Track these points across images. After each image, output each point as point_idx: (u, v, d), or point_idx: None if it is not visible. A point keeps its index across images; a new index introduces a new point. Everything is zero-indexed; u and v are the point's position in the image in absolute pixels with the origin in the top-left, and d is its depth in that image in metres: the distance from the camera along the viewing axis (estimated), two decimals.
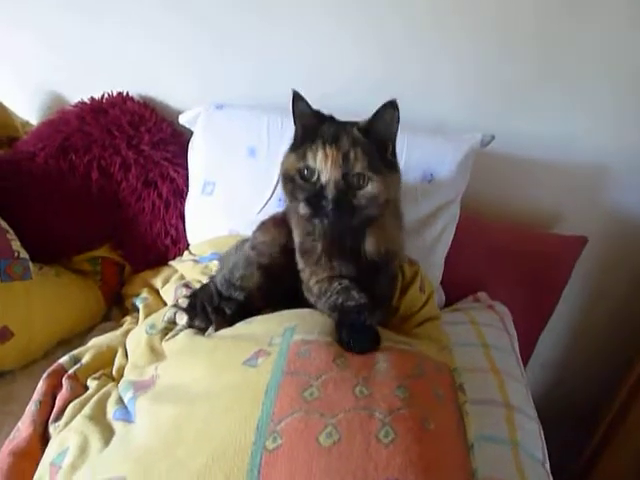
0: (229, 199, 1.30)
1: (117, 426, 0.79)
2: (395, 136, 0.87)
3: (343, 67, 1.39)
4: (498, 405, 0.95)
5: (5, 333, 1.07)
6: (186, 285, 1.16)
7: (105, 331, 1.14)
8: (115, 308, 1.37)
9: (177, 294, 1.13)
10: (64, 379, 0.93)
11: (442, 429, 0.69)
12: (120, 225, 1.39)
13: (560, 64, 1.29)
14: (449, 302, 1.32)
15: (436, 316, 1.05)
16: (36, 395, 0.90)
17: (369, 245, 0.89)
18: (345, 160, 0.81)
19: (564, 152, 1.38)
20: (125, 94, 1.46)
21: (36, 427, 0.85)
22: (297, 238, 0.93)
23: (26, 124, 1.60)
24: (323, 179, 0.82)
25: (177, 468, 0.62)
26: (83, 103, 1.42)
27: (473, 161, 1.23)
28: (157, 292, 1.27)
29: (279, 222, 1.01)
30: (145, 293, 1.25)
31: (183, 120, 1.39)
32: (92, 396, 0.88)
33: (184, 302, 0.96)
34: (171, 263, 1.36)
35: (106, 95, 1.43)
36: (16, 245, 1.15)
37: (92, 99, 1.42)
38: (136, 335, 1.00)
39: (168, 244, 1.39)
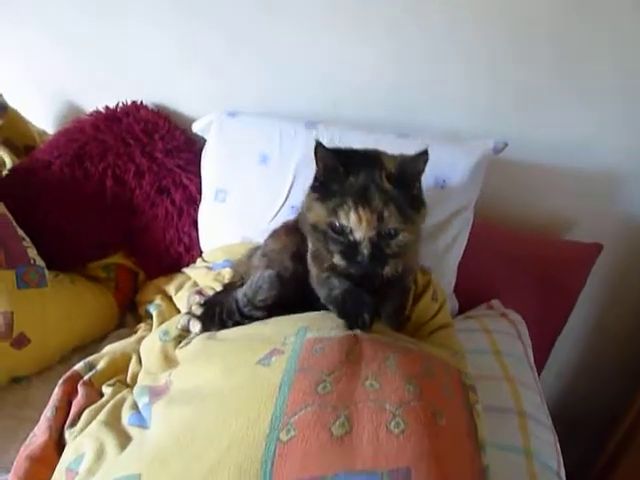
0: (241, 206, 1.31)
1: (133, 432, 0.80)
2: (422, 175, 0.87)
3: (357, 71, 1.39)
4: (512, 413, 0.94)
5: (21, 339, 1.09)
6: (199, 292, 1.17)
7: (119, 338, 1.15)
8: (129, 315, 1.38)
9: (190, 301, 1.14)
10: (79, 385, 0.94)
11: (453, 425, 0.69)
12: (134, 232, 1.40)
13: (574, 70, 1.29)
14: (462, 310, 1.31)
15: (449, 324, 1.05)
16: (52, 401, 0.91)
17: (388, 269, 0.89)
18: (379, 220, 0.81)
19: (578, 158, 1.37)
20: (139, 103, 1.47)
21: (52, 433, 0.86)
22: (312, 246, 0.93)
23: (43, 133, 1.62)
24: (357, 236, 0.82)
25: (191, 463, 0.63)
26: (98, 112, 1.44)
27: (486, 168, 1.22)
28: (170, 299, 1.28)
29: (291, 230, 1.01)
30: (158, 300, 1.26)
31: (196, 128, 1.40)
32: (107, 402, 0.89)
33: (198, 310, 0.97)
34: (184, 270, 1.37)
35: (120, 104, 1.45)
36: (32, 252, 1.17)
37: (107, 108, 1.44)
38: (150, 342, 1.01)
39: (181, 251, 1.40)
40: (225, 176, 1.33)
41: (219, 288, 1.11)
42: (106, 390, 0.94)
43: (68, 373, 0.98)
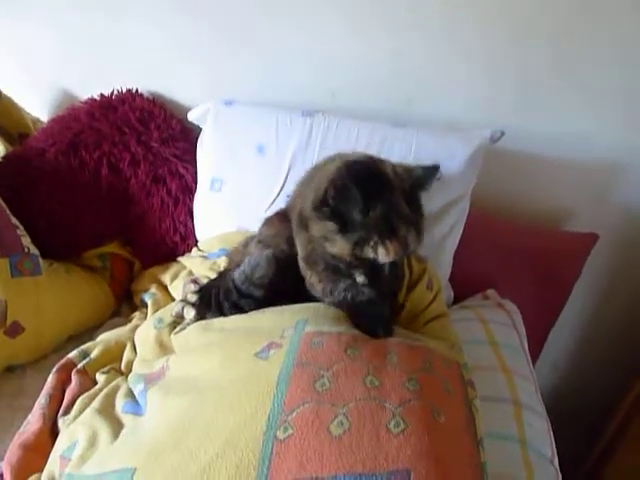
0: (237, 196, 1.30)
1: (126, 419, 0.80)
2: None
3: (354, 64, 1.38)
4: (507, 402, 0.95)
5: (16, 328, 1.08)
6: (194, 281, 1.16)
7: (114, 327, 1.15)
8: (124, 304, 1.38)
9: (185, 290, 1.14)
10: (73, 373, 0.94)
11: (452, 422, 0.69)
12: (129, 221, 1.40)
13: (573, 62, 1.28)
14: (458, 300, 1.31)
15: (444, 313, 1.04)
16: (46, 389, 0.91)
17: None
18: (405, 247, 0.82)
19: (576, 149, 1.37)
20: (134, 91, 1.46)
21: (46, 421, 0.86)
22: (302, 251, 0.91)
23: (37, 121, 1.61)
24: (382, 261, 0.82)
25: (188, 459, 0.63)
26: (93, 100, 1.43)
27: (483, 157, 1.22)
28: (166, 288, 1.28)
29: (282, 218, 1.01)
30: (154, 289, 1.26)
31: (192, 117, 1.39)
32: (101, 390, 0.89)
33: (192, 297, 0.97)
34: (180, 259, 1.37)
35: (115, 92, 1.44)
36: (26, 241, 1.17)
37: (102, 96, 1.43)
38: (144, 330, 1.01)
39: (177, 240, 1.40)
40: (221, 165, 1.32)
41: (214, 277, 1.10)
42: (100, 378, 0.94)
43: (62, 361, 0.98)
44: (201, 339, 0.87)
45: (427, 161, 1.22)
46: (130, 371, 0.94)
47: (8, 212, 1.18)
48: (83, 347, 1.02)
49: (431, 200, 1.19)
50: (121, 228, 1.41)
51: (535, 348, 1.32)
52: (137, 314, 1.21)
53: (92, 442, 0.76)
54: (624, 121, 1.33)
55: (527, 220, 1.46)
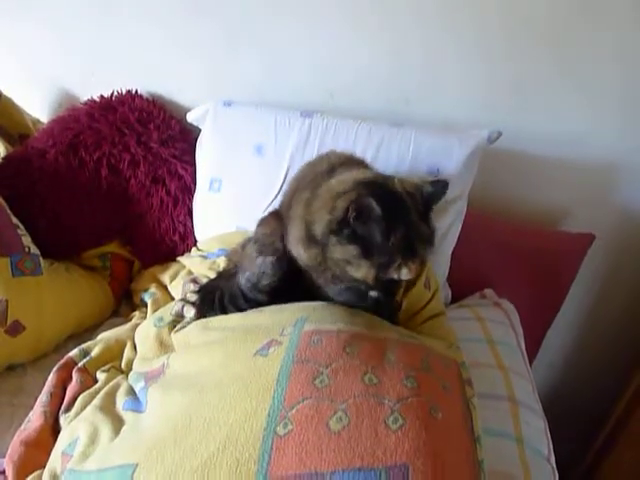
0: (236, 196, 1.31)
1: (127, 416, 0.81)
2: None
3: (352, 64, 1.39)
4: (503, 400, 0.96)
5: (16, 327, 1.09)
6: (194, 280, 1.17)
7: (114, 326, 1.15)
8: (124, 303, 1.38)
9: (185, 289, 1.14)
10: (74, 372, 0.95)
11: (449, 419, 0.69)
12: (129, 221, 1.40)
13: (571, 62, 1.29)
14: (455, 299, 1.32)
15: (442, 312, 1.06)
16: (47, 387, 0.92)
17: None
18: (422, 264, 0.85)
19: (574, 149, 1.38)
20: (134, 92, 1.46)
21: (47, 418, 0.87)
22: (308, 260, 0.88)
23: (37, 122, 1.61)
24: (403, 279, 0.83)
25: (189, 454, 0.64)
26: (93, 101, 1.43)
27: (480, 157, 1.22)
28: (165, 287, 1.28)
29: (276, 216, 1.02)
30: (153, 288, 1.27)
31: (191, 117, 1.40)
32: (101, 388, 0.90)
33: (192, 296, 0.97)
34: (179, 259, 1.37)
35: (115, 93, 1.45)
36: (27, 240, 1.17)
37: (101, 97, 1.43)
38: (144, 328, 1.01)
39: (176, 240, 1.40)
40: (220, 166, 1.33)
41: (213, 276, 1.11)
42: (100, 376, 0.95)
43: (63, 360, 0.98)
44: (201, 337, 0.88)
45: (425, 161, 1.23)
46: (130, 369, 0.94)
47: (9, 212, 1.19)
48: (83, 346, 1.03)
49: None
50: (121, 228, 1.41)
51: (532, 347, 1.33)
52: (137, 313, 1.21)
53: (93, 438, 0.77)
54: (622, 122, 1.34)
55: (524, 220, 1.46)
